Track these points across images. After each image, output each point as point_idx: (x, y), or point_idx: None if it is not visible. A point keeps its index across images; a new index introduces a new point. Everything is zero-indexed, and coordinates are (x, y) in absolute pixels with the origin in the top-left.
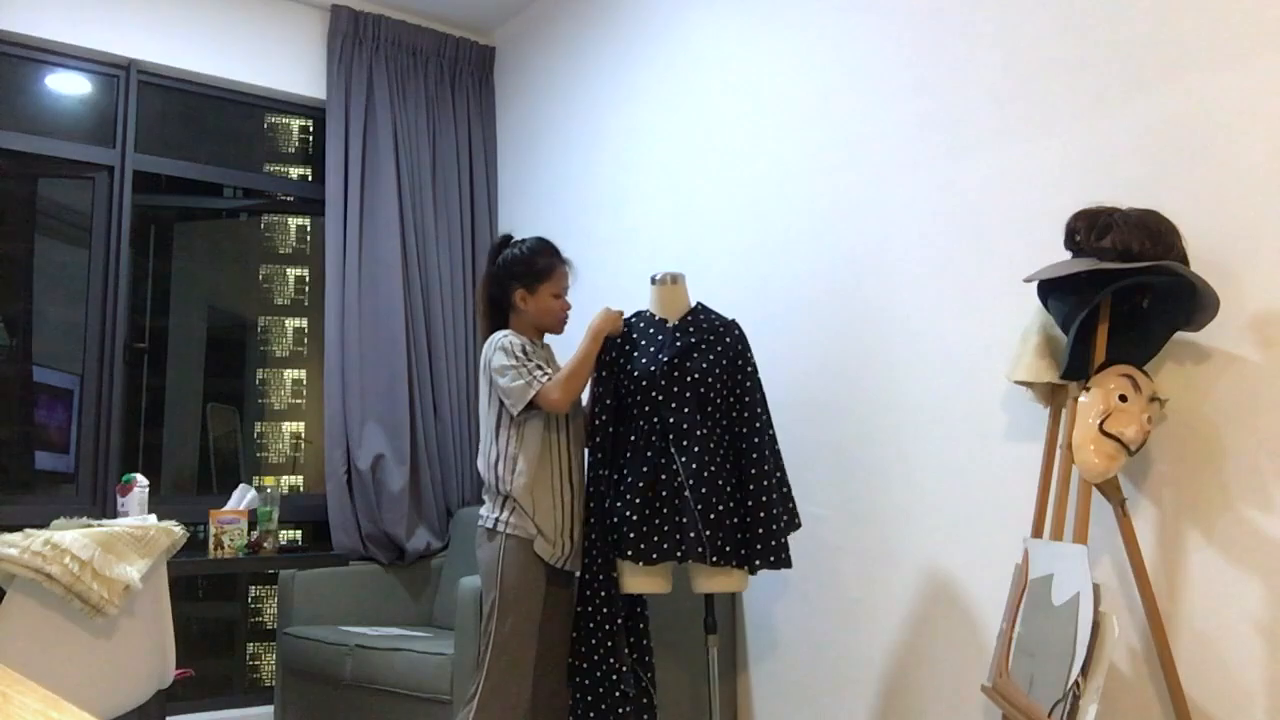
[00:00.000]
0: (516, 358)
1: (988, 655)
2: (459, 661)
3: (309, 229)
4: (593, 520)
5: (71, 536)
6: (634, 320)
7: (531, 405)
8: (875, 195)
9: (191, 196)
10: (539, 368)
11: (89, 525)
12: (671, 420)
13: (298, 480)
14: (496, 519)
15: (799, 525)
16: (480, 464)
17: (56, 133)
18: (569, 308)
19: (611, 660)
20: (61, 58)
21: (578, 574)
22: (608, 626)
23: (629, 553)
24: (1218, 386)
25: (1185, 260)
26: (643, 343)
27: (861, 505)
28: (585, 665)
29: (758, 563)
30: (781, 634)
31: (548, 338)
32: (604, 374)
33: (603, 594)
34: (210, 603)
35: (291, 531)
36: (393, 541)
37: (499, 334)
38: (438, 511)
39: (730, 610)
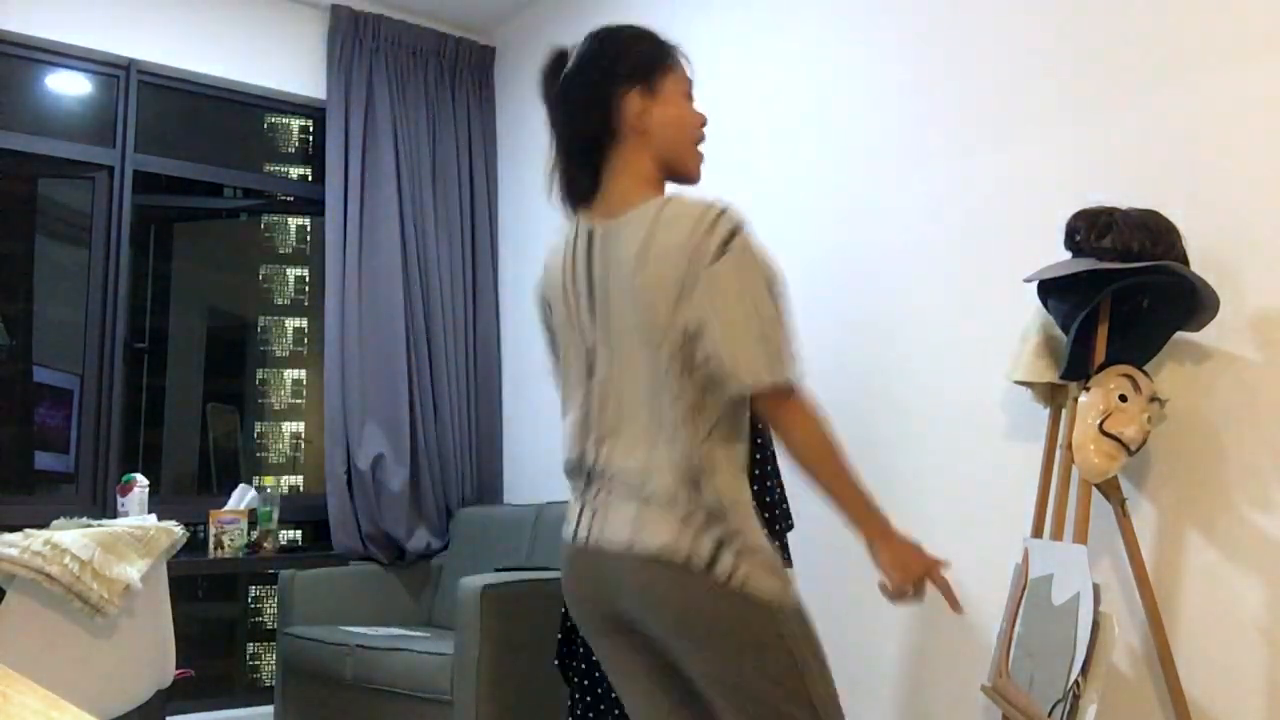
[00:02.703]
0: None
1: (988, 655)
2: (459, 661)
3: (309, 229)
4: None
5: (71, 536)
6: None
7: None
8: (875, 195)
9: (191, 196)
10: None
11: (89, 525)
12: None
13: (298, 480)
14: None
15: (791, 526)
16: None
17: (56, 133)
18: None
19: None
20: (61, 58)
21: None
22: None
23: None
24: (1218, 386)
25: (1185, 260)
26: None
27: None
28: (584, 666)
29: None
30: None
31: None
32: None
33: None
34: (210, 603)
35: (291, 531)
36: (393, 541)
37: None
38: (438, 511)
39: None
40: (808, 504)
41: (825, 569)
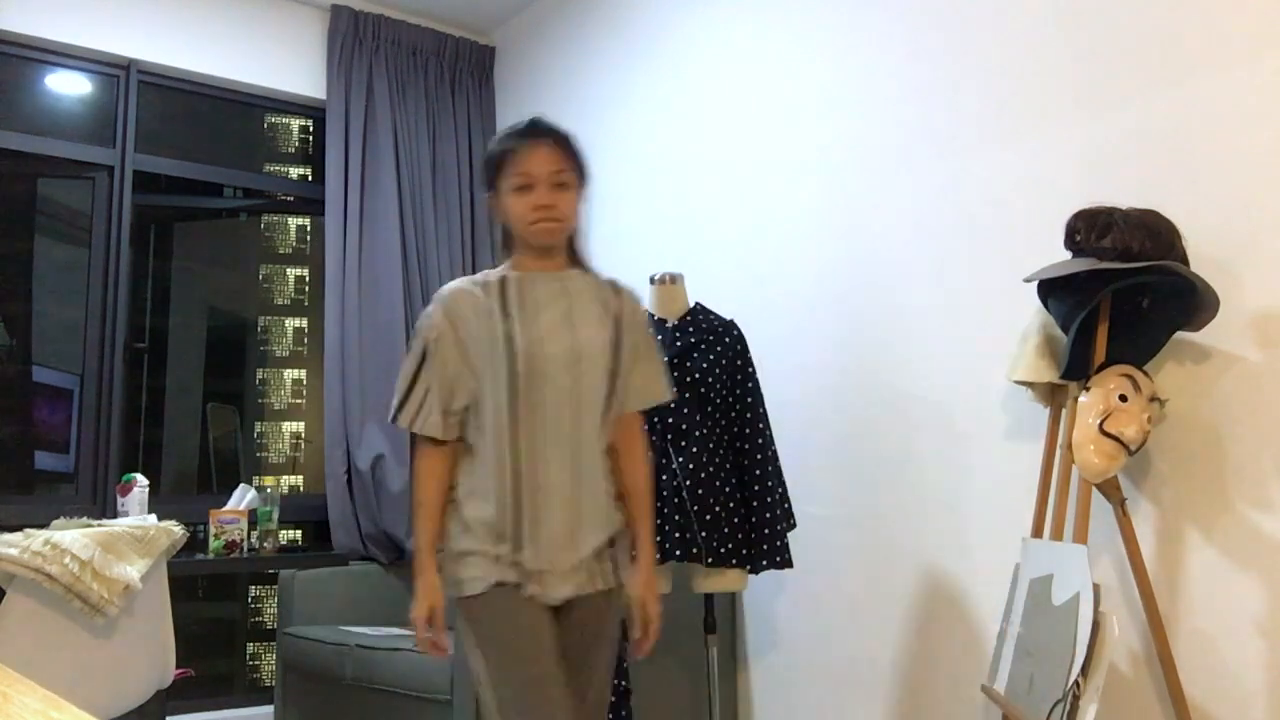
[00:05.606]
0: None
1: (988, 655)
2: (459, 661)
3: (309, 229)
4: None
5: (71, 536)
6: None
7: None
8: (875, 195)
9: (191, 196)
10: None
11: (89, 525)
12: (671, 420)
13: (298, 480)
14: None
15: (794, 525)
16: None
17: (56, 133)
18: (542, 204)
19: None
20: (61, 58)
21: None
22: None
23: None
24: (1218, 386)
25: (1185, 260)
26: None
27: (862, 505)
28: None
29: (764, 563)
30: (781, 634)
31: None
32: None
33: None
34: (210, 603)
35: (291, 531)
36: (393, 541)
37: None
38: None
39: (730, 610)
40: (808, 505)
41: (825, 569)
